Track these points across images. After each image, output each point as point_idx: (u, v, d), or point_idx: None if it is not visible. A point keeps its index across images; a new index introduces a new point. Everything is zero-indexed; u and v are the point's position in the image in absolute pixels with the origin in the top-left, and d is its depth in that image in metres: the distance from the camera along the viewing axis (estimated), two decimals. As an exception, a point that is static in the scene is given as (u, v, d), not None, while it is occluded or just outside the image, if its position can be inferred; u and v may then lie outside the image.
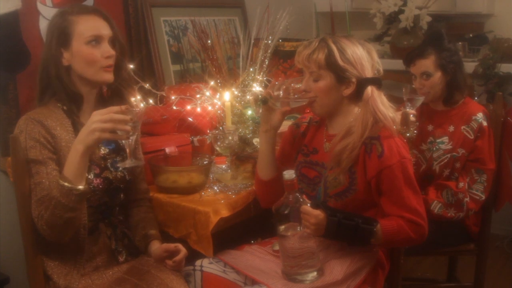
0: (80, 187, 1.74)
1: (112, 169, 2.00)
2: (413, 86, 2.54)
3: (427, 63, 2.51)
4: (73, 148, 1.74)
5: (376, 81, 1.94)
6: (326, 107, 1.97)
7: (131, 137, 1.76)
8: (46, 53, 1.95)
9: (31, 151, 1.84)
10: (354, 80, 1.91)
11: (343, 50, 1.90)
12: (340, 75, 1.90)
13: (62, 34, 1.91)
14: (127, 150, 1.80)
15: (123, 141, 1.85)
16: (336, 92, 1.94)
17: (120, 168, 2.01)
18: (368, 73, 1.94)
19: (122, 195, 2.06)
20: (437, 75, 2.51)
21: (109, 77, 1.95)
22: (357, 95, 1.94)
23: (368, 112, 1.91)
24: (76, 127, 1.93)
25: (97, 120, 1.69)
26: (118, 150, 2.05)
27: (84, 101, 1.98)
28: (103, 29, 1.93)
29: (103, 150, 2.01)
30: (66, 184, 1.72)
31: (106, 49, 1.92)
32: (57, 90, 1.94)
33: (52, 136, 1.87)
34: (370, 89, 1.91)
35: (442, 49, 2.53)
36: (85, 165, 1.75)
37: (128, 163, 1.82)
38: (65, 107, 1.94)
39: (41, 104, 1.97)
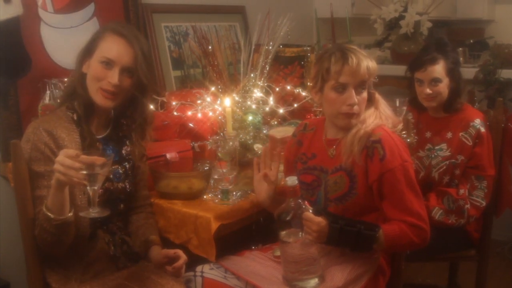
0: (61, 217, 1.74)
1: (113, 180, 2.00)
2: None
3: (438, 69, 2.51)
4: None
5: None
6: (360, 116, 1.97)
7: (91, 187, 1.67)
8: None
9: (35, 163, 1.84)
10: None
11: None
12: (371, 81, 1.96)
13: (90, 44, 1.94)
14: (91, 198, 1.71)
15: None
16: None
17: (122, 178, 2.03)
18: None
19: (121, 205, 2.06)
20: (446, 81, 2.52)
21: (106, 102, 1.92)
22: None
23: (375, 113, 1.97)
24: (84, 136, 1.93)
25: (57, 160, 1.64)
26: (120, 161, 2.04)
27: (95, 112, 1.97)
28: (121, 56, 1.90)
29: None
30: (47, 212, 1.73)
31: (112, 75, 1.89)
32: (75, 94, 1.95)
33: (58, 147, 1.85)
34: (376, 93, 1.97)
35: (447, 55, 2.54)
36: (60, 198, 1.72)
37: (88, 213, 1.72)
38: (75, 116, 1.94)
39: (58, 106, 2.00)
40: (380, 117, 1.97)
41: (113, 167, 2.01)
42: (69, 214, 1.76)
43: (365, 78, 1.90)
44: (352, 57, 1.87)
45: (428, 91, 2.53)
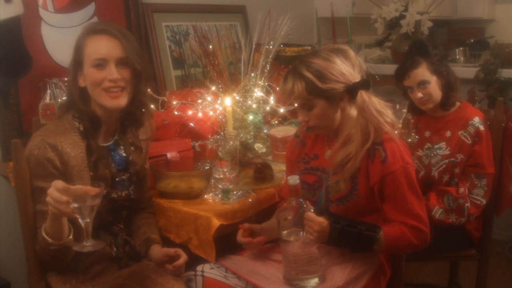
0: (60, 242, 1.72)
1: (118, 188, 1.99)
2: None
3: (422, 72, 2.51)
4: None
5: (364, 85, 1.92)
6: (328, 126, 1.97)
7: (83, 219, 1.62)
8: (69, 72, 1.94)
9: (37, 178, 1.82)
10: (343, 91, 1.90)
11: (320, 72, 1.87)
12: (328, 95, 1.89)
13: (76, 56, 1.88)
14: (83, 231, 1.65)
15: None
16: (333, 110, 1.93)
17: (126, 185, 2.02)
18: (354, 77, 1.92)
19: (125, 212, 2.05)
20: (434, 81, 2.52)
21: (115, 102, 1.86)
22: (351, 99, 1.93)
23: (366, 119, 1.90)
24: (90, 149, 1.89)
25: (48, 192, 1.59)
26: (126, 169, 2.03)
27: (102, 123, 1.93)
28: (110, 50, 1.84)
29: (113, 169, 1.98)
30: (46, 237, 1.73)
31: (109, 72, 1.83)
32: (77, 110, 1.91)
33: (63, 162, 1.83)
34: (360, 96, 1.90)
35: (429, 55, 2.53)
36: (58, 225, 1.70)
37: (83, 246, 1.65)
38: (81, 128, 1.90)
39: (57, 116, 1.96)
40: (367, 126, 1.90)
41: (119, 175, 2.00)
42: (69, 238, 1.74)
43: (297, 101, 1.92)
44: (281, 82, 1.94)
45: (420, 95, 2.53)
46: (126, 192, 2.01)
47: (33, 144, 1.83)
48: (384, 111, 1.93)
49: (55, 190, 1.57)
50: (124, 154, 2.02)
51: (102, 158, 1.93)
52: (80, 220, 1.62)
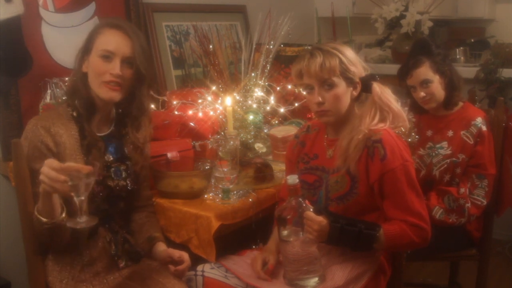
0: (53, 220, 1.74)
1: (114, 177, 2.00)
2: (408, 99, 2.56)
3: (424, 71, 2.51)
4: None
5: (374, 77, 1.97)
6: (339, 112, 1.96)
7: (78, 197, 1.64)
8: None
9: (33, 160, 1.84)
10: (358, 80, 1.94)
11: (345, 54, 1.93)
12: (349, 78, 1.92)
13: (87, 42, 1.94)
14: (78, 208, 1.67)
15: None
16: (347, 96, 1.95)
17: (123, 175, 2.02)
18: (362, 72, 1.97)
19: (122, 204, 2.05)
20: (436, 80, 2.52)
21: (112, 95, 1.90)
22: (359, 96, 1.97)
23: (377, 107, 1.92)
24: (83, 133, 1.93)
25: (42, 171, 1.63)
26: (123, 159, 2.04)
27: (97, 111, 1.97)
28: (120, 46, 1.89)
29: (108, 158, 2.00)
30: (38, 216, 1.74)
31: (113, 67, 1.88)
32: (76, 94, 1.95)
33: (56, 143, 1.86)
34: (376, 86, 1.93)
35: (432, 54, 2.53)
36: (50, 203, 1.71)
37: (76, 223, 1.68)
38: (74, 113, 1.94)
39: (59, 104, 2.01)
40: (381, 113, 1.93)
41: (114, 165, 2.01)
42: (62, 216, 1.76)
43: (324, 76, 1.90)
44: (306, 58, 1.93)
45: (422, 94, 2.53)
46: (123, 182, 2.02)
47: (28, 128, 1.89)
48: (396, 99, 1.97)
49: (51, 169, 1.61)
50: (119, 146, 2.04)
51: (95, 145, 1.96)
52: (75, 198, 1.65)
